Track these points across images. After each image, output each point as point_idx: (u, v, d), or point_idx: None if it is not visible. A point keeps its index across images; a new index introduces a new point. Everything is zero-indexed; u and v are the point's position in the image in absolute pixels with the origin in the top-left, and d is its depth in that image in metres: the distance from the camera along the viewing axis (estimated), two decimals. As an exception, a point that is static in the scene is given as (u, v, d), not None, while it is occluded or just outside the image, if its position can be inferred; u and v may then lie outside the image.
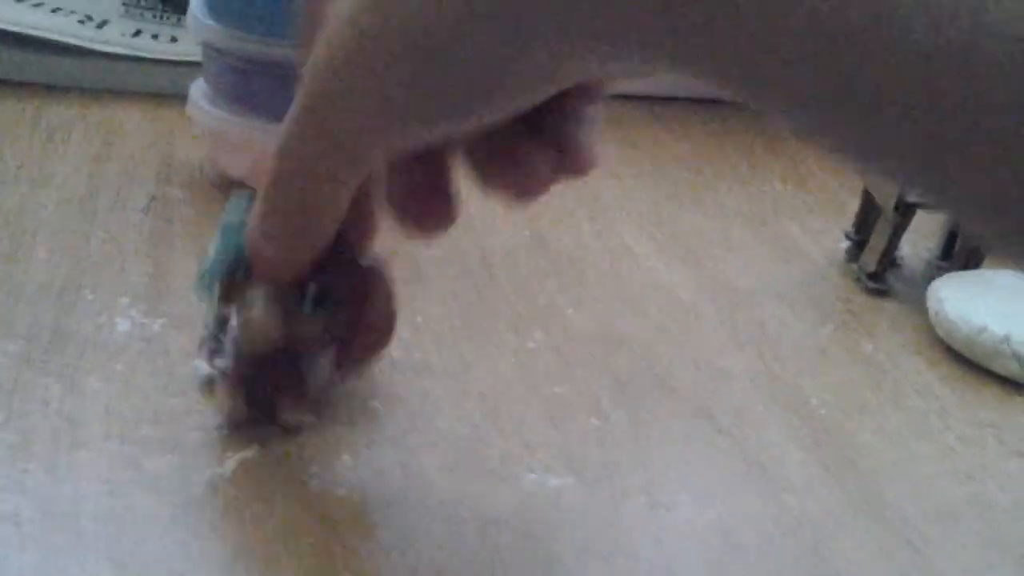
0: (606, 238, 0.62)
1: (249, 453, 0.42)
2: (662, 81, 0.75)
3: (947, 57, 0.24)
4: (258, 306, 0.40)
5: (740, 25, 0.27)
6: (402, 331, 0.50)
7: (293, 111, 0.37)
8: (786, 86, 0.27)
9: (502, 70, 0.33)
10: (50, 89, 0.70)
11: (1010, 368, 0.52)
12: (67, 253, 0.53)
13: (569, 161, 0.39)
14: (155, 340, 0.48)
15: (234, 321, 0.41)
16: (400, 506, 0.41)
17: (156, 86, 0.71)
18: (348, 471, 0.42)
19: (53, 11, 0.73)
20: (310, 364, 0.43)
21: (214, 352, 0.42)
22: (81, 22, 0.73)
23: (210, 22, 0.58)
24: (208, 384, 0.42)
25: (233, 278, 0.41)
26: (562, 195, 0.65)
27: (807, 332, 0.55)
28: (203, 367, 0.42)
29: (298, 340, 0.41)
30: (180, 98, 0.62)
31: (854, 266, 0.61)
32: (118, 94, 0.70)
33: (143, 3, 0.78)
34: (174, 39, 0.73)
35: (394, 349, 0.49)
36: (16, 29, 0.69)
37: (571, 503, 0.42)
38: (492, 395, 0.48)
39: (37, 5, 0.73)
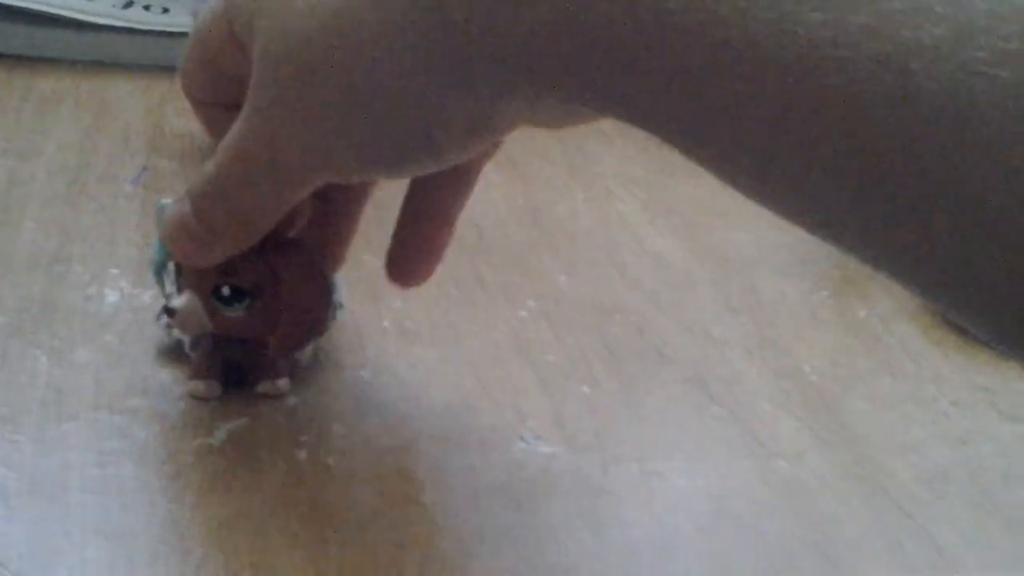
0: (600, 206, 0.62)
1: (238, 423, 0.42)
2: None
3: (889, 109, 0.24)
4: (182, 301, 0.41)
5: (697, 89, 0.27)
6: (393, 301, 0.50)
7: (241, 117, 0.36)
8: (733, 147, 0.28)
9: (438, 112, 0.33)
10: (40, 61, 0.69)
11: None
12: (56, 225, 0.53)
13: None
14: (144, 311, 0.47)
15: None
16: (390, 475, 0.41)
17: (148, 57, 0.70)
18: (338, 440, 0.42)
19: (43, -17, 0.73)
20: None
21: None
22: (72, -7, 0.73)
23: (199, -8, 0.58)
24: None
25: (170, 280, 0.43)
26: (555, 164, 0.65)
27: (801, 299, 0.55)
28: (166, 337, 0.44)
29: (231, 330, 0.42)
30: (171, 69, 0.61)
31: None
32: (109, 66, 0.70)
33: (134, -26, 0.78)
34: (165, 10, 0.73)
35: (384, 319, 0.49)
36: (6, 1, 0.69)
37: (562, 471, 0.42)
38: (483, 364, 0.48)
39: (27, -23, 0.73)
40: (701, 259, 0.58)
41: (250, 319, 0.41)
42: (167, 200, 0.41)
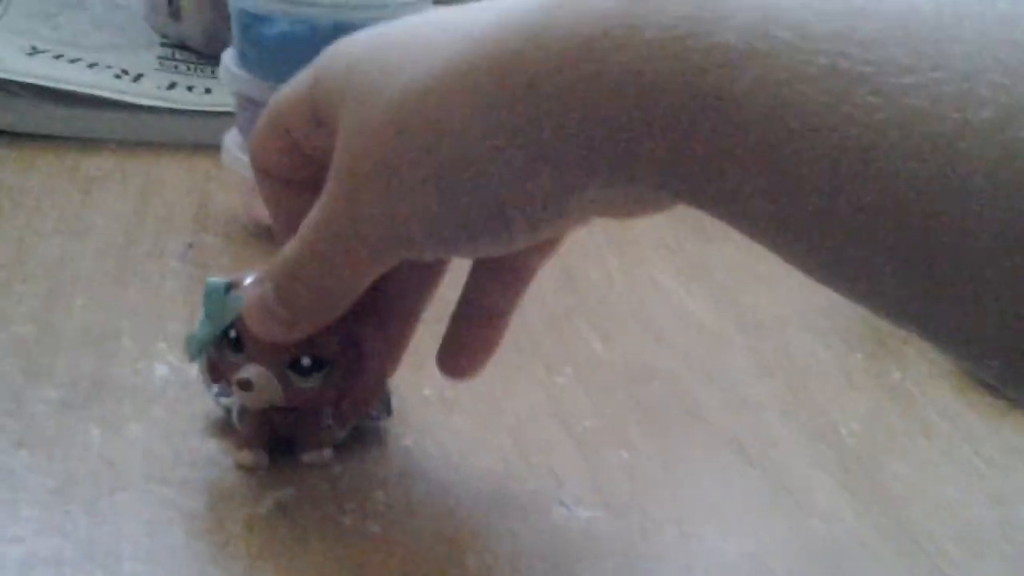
0: (633, 272, 0.63)
1: (285, 492, 0.43)
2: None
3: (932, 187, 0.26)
4: (255, 373, 0.42)
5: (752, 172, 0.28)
6: (434, 370, 0.51)
7: (323, 200, 0.38)
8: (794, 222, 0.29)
9: (516, 191, 0.34)
10: (88, 142, 0.71)
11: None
12: (106, 301, 0.55)
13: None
14: (192, 384, 0.49)
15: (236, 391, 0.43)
16: (433, 540, 0.42)
17: (191, 137, 0.72)
18: (381, 507, 0.43)
19: (90, 66, 0.75)
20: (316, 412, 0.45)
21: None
22: (117, 76, 0.75)
23: (242, 73, 0.60)
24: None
25: (221, 354, 0.43)
26: (590, 231, 0.66)
27: (835, 361, 0.56)
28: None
29: (297, 401, 0.43)
30: (215, 148, 0.64)
31: (881, 294, 0.61)
32: (154, 145, 0.72)
33: (177, 56, 0.80)
34: (208, 91, 0.75)
35: (425, 387, 0.50)
36: (54, 85, 0.71)
37: (601, 534, 0.43)
38: (522, 430, 0.49)
39: (74, 61, 0.75)
40: (736, 322, 0.58)
41: (323, 389, 0.43)
42: (215, 278, 0.43)
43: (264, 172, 0.42)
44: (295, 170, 0.41)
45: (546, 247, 0.43)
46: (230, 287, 0.42)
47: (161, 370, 0.50)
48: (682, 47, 0.29)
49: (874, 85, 0.26)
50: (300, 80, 0.40)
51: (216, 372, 0.44)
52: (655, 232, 0.67)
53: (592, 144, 0.32)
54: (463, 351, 0.45)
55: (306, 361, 0.42)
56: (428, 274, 0.45)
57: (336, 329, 0.41)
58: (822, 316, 0.60)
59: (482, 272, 0.44)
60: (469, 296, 0.45)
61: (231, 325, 0.42)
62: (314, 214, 0.38)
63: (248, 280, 0.42)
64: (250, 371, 0.42)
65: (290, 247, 0.39)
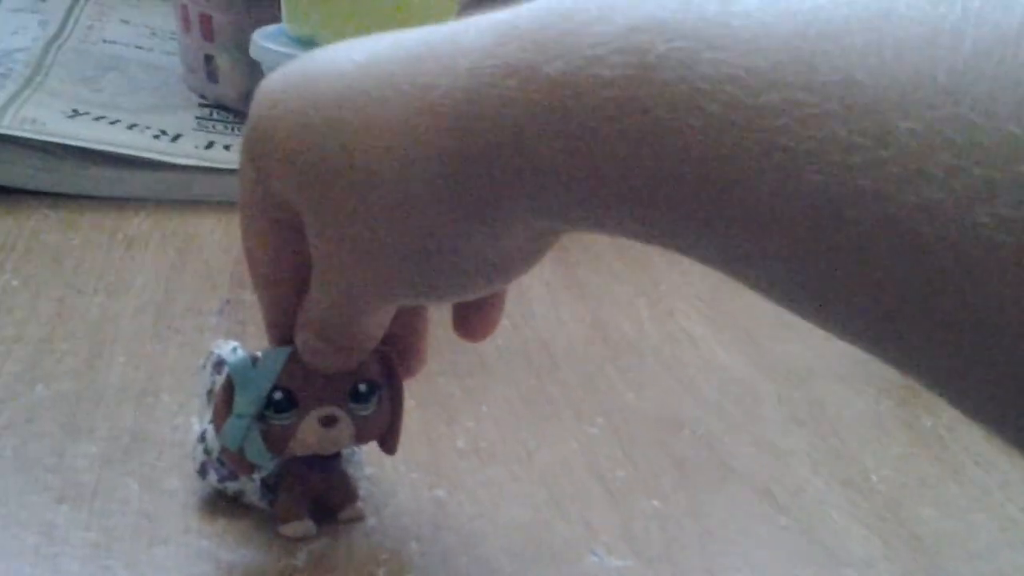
0: (664, 323, 0.63)
1: (320, 544, 0.44)
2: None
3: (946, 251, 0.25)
4: (340, 417, 0.42)
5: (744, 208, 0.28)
6: (466, 420, 0.52)
7: (313, 255, 0.38)
8: (771, 263, 0.28)
9: (483, 252, 0.35)
10: (128, 201, 0.73)
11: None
12: (145, 358, 0.56)
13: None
14: (229, 438, 0.49)
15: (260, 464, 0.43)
16: (466, 591, 0.42)
17: (229, 194, 0.74)
18: (416, 558, 0.44)
19: (130, 127, 0.77)
20: (349, 459, 0.45)
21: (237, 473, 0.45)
22: (156, 136, 0.76)
23: (276, 132, 0.61)
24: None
25: (268, 424, 0.42)
26: (621, 282, 0.67)
27: (865, 408, 0.56)
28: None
29: (363, 434, 0.43)
30: (250, 205, 0.65)
31: (912, 341, 0.61)
32: (193, 203, 0.73)
33: (215, 116, 0.82)
34: (244, 149, 0.76)
35: (458, 438, 0.51)
36: (95, 147, 0.73)
37: (633, 584, 0.43)
38: (554, 480, 0.49)
39: (114, 122, 0.77)
40: (765, 371, 0.59)
41: (377, 415, 0.43)
42: (232, 359, 0.43)
43: (258, 275, 0.42)
44: (286, 261, 0.41)
45: None
46: (254, 359, 0.42)
47: (198, 425, 0.50)
48: (615, 129, 0.28)
49: (819, 163, 0.25)
50: (243, 157, 0.39)
51: (275, 442, 0.42)
52: (686, 283, 0.67)
53: (541, 207, 0.32)
54: (472, 314, 0.44)
55: (363, 387, 0.42)
56: None
57: (373, 353, 0.42)
58: (852, 364, 0.60)
59: None
60: None
61: (274, 388, 0.42)
62: (314, 285, 0.39)
63: (233, 349, 0.44)
64: (324, 410, 0.42)
65: (310, 309, 0.40)
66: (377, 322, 0.40)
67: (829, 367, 0.59)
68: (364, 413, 0.43)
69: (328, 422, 0.42)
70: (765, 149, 0.26)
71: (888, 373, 0.58)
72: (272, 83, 0.37)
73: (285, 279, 0.41)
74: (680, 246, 0.30)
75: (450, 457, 0.50)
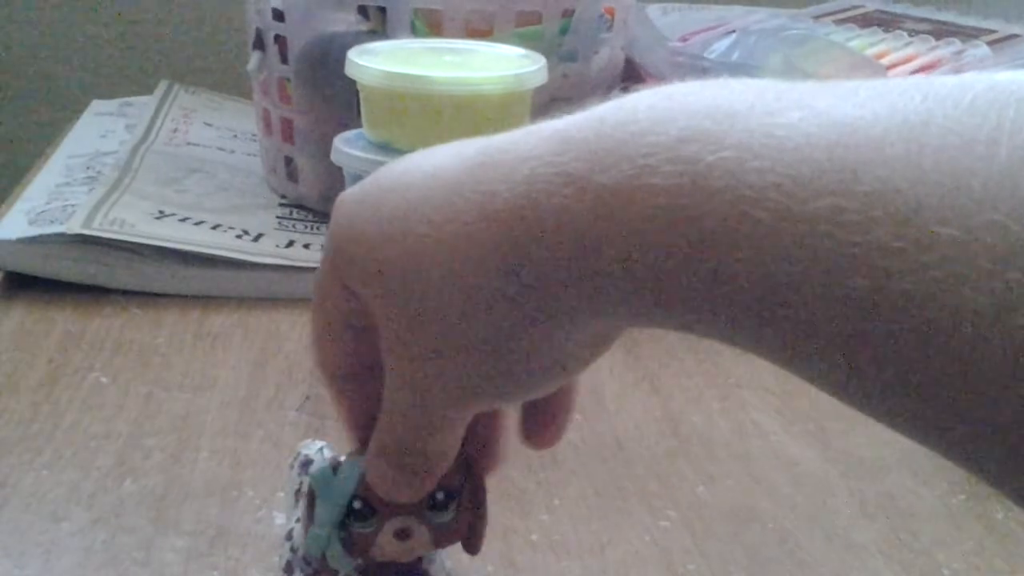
0: (735, 415, 0.64)
1: (398, 636, 0.45)
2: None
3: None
4: (415, 530, 0.43)
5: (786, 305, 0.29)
6: (540, 513, 0.53)
7: (387, 376, 0.39)
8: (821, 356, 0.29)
9: (552, 348, 0.36)
10: (211, 300, 0.75)
11: None
12: (229, 452, 0.58)
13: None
14: (310, 531, 0.51)
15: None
16: None
17: (308, 292, 0.75)
18: (491, 651, 0.45)
19: (213, 228, 0.80)
20: (431, 558, 0.46)
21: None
22: (239, 236, 0.79)
23: (354, 233, 0.63)
24: None
25: (350, 532, 0.43)
26: (691, 375, 0.68)
27: (937, 502, 0.56)
28: None
29: (441, 541, 0.44)
30: (329, 302, 0.67)
31: (983, 434, 0.62)
32: (274, 301, 0.76)
33: (295, 215, 0.84)
34: (324, 248, 0.79)
35: (533, 532, 0.52)
36: (180, 247, 0.76)
37: (706, 677, 0.44)
38: (627, 574, 0.50)
39: (199, 223, 0.80)
40: (836, 464, 0.59)
41: (457, 520, 0.44)
42: (315, 467, 0.44)
43: (332, 376, 0.43)
44: (355, 358, 0.42)
45: None
46: (335, 467, 0.43)
47: (280, 519, 0.52)
48: (668, 237, 0.30)
49: (863, 268, 0.26)
50: (323, 264, 0.41)
51: (356, 548, 0.43)
52: (756, 375, 0.68)
53: (600, 309, 0.33)
54: (540, 421, 0.45)
55: (440, 495, 0.43)
56: None
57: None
58: (923, 457, 0.60)
59: None
60: None
61: (354, 497, 0.43)
62: (387, 398, 0.40)
63: (329, 453, 0.45)
64: (399, 522, 0.43)
65: (383, 430, 0.41)
66: (449, 439, 0.41)
67: (900, 460, 0.60)
68: (442, 520, 0.43)
69: (403, 535, 0.42)
70: (811, 255, 0.27)
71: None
72: (349, 197, 0.39)
73: (362, 378, 0.42)
74: (736, 343, 0.31)
75: (525, 551, 0.51)
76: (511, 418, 0.46)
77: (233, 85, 1.18)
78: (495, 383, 0.37)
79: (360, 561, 0.43)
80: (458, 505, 0.43)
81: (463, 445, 0.42)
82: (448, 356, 0.37)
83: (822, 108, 0.29)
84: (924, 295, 0.26)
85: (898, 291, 0.26)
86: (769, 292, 0.28)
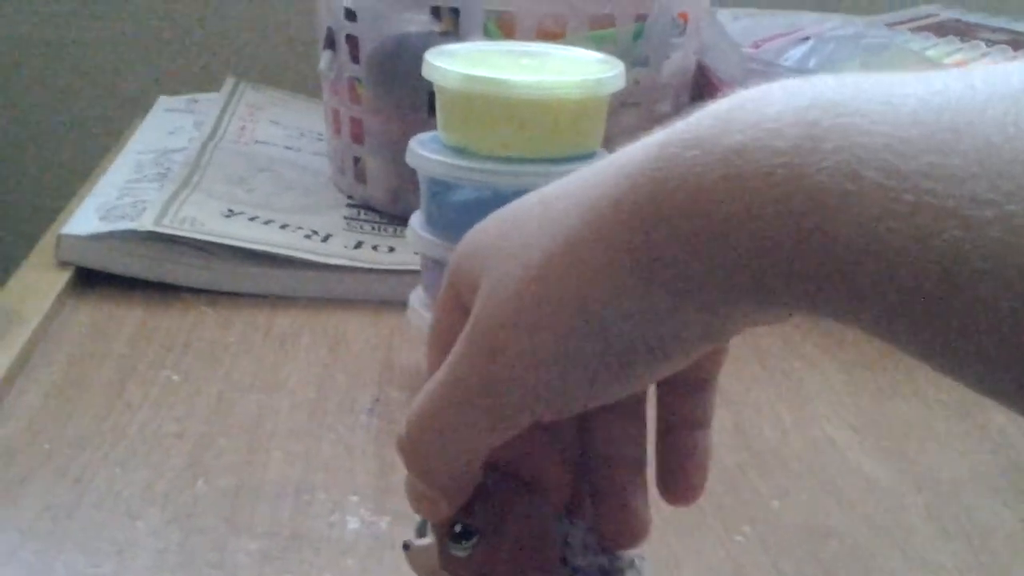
0: (807, 429, 0.63)
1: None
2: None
3: None
4: (421, 541, 0.43)
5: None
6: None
7: (452, 360, 0.38)
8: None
9: (654, 332, 0.35)
10: (280, 300, 0.75)
11: None
12: (300, 455, 0.58)
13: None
14: (383, 537, 0.51)
15: None
16: None
17: (377, 294, 0.76)
18: (567, 664, 0.44)
19: (282, 227, 0.80)
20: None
21: None
22: (307, 237, 0.79)
23: (429, 236, 0.63)
24: None
25: None
26: (764, 387, 0.67)
27: (1016, 520, 0.55)
28: None
29: (451, 569, 0.43)
30: (399, 305, 0.67)
31: (1063, 454, 0.61)
32: (342, 302, 0.76)
33: (363, 216, 0.84)
34: (392, 249, 0.79)
35: (606, 544, 0.51)
36: (250, 246, 0.76)
37: None
38: (702, 589, 0.49)
39: (268, 222, 0.80)
40: (913, 482, 0.58)
41: (473, 560, 0.43)
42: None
43: None
44: None
45: (718, 354, 0.43)
46: None
47: (353, 523, 0.52)
48: (782, 192, 0.31)
49: (958, 219, 0.28)
50: (442, 287, 0.41)
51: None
52: (828, 388, 0.67)
53: (718, 280, 0.33)
54: (678, 471, 0.44)
55: (457, 527, 0.42)
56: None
57: (485, 497, 0.42)
58: (1000, 474, 0.59)
59: (666, 393, 0.44)
60: (664, 422, 0.44)
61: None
62: (441, 377, 0.39)
63: None
64: (421, 539, 0.43)
65: (415, 407, 0.40)
66: (471, 451, 0.40)
67: (977, 478, 0.59)
68: (459, 554, 0.42)
69: (405, 546, 0.43)
70: (913, 209, 0.29)
71: (1040, 487, 0.58)
72: (474, 227, 0.40)
73: None
74: (833, 313, 0.32)
75: (598, 562, 0.50)
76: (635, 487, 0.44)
77: (300, 83, 1.18)
78: (562, 388, 0.37)
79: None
80: (476, 546, 0.42)
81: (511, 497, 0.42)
82: (535, 348, 0.36)
83: (938, 84, 0.31)
84: (1011, 243, 0.27)
85: (988, 239, 0.27)
86: (870, 252, 0.29)
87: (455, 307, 0.40)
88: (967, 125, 0.29)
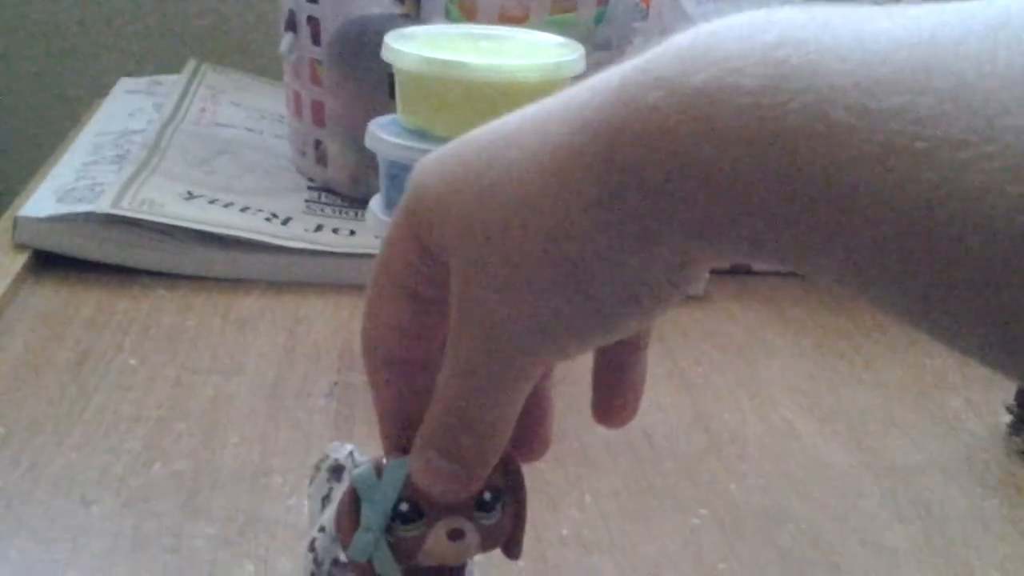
0: (766, 414, 0.63)
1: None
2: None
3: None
4: (466, 530, 0.41)
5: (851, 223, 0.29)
6: (570, 510, 0.53)
7: (452, 337, 0.38)
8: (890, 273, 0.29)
9: (637, 272, 0.35)
10: (239, 283, 0.75)
11: None
12: (258, 439, 0.57)
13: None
14: (340, 521, 0.51)
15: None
16: None
17: (337, 277, 0.76)
18: (522, 648, 0.44)
19: (242, 210, 0.79)
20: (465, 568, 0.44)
21: None
22: (267, 220, 0.79)
23: (388, 218, 0.63)
24: None
25: (396, 536, 0.41)
26: (723, 373, 0.67)
27: (971, 507, 0.56)
28: None
29: (489, 542, 0.42)
30: (359, 288, 0.66)
31: (1017, 439, 0.61)
32: (302, 285, 0.75)
33: (323, 199, 0.84)
34: (352, 232, 0.79)
35: (563, 527, 0.51)
36: (209, 229, 0.75)
37: None
38: (659, 571, 0.49)
39: (227, 205, 0.80)
40: (869, 467, 0.59)
41: (502, 522, 0.42)
42: (356, 469, 0.41)
43: (379, 358, 0.42)
44: (411, 347, 0.41)
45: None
46: (378, 469, 0.41)
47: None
48: (750, 134, 0.30)
49: (932, 162, 0.27)
50: (396, 222, 0.39)
51: (403, 553, 0.41)
52: (788, 375, 0.68)
53: (685, 225, 0.33)
54: (616, 390, 0.43)
55: (488, 495, 0.41)
56: None
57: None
58: (957, 461, 0.60)
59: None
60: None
61: (399, 499, 0.41)
62: (450, 359, 0.38)
63: (360, 457, 0.43)
64: (451, 523, 0.41)
65: (436, 407, 0.39)
66: (509, 408, 0.39)
67: (934, 464, 0.59)
68: (488, 522, 0.41)
69: (456, 535, 0.41)
70: (884, 151, 0.28)
71: (994, 471, 0.58)
72: (428, 156, 0.38)
73: (411, 368, 0.41)
74: (800, 261, 0.31)
75: (555, 545, 0.51)
76: (551, 405, 0.44)
77: (262, 65, 1.18)
78: (566, 322, 0.36)
79: (403, 565, 0.42)
80: (502, 506, 0.42)
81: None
82: (521, 292, 0.36)
83: (911, 20, 0.30)
84: (988, 186, 0.26)
85: (965, 183, 0.27)
86: (841, 194, 0.29)
87: (412, 247, 0.38)
88: (940, 63, 0.28)
